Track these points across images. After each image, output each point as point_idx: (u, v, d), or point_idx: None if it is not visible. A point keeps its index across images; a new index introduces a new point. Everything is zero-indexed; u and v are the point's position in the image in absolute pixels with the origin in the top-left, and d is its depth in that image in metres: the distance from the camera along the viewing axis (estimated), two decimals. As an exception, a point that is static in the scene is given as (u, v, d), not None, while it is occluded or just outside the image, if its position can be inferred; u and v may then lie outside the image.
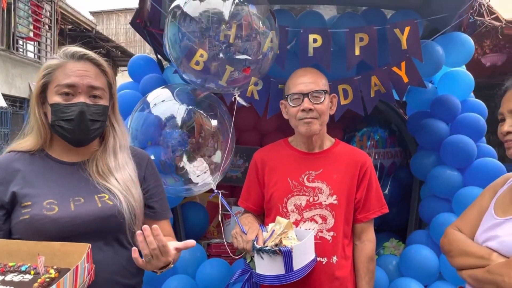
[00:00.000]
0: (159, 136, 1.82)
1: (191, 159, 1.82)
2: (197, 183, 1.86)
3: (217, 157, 1.88)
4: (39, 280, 1.06)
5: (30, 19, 10.96)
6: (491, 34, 6.53)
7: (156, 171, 1.57)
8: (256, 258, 1.65)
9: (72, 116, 1.32)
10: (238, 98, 1.83)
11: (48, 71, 1.35)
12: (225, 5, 1.69)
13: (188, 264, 2.41)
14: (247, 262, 1.78)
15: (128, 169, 1.44)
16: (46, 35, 11.70)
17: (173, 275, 2.38)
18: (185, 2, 1.74)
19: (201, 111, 1.87)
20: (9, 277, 1.09)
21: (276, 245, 1.64)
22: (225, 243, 2.85)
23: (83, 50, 1.39)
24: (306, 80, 1.81)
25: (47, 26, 11.72)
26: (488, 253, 1.35)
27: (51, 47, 11.75)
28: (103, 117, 1.39)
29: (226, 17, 1.69)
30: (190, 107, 1.86)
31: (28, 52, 11.42)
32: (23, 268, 1.12)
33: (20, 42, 10.94)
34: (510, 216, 1.37)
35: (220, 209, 1.84)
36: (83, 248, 1.16)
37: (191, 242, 1.36)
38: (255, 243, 1.66)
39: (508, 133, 1.38)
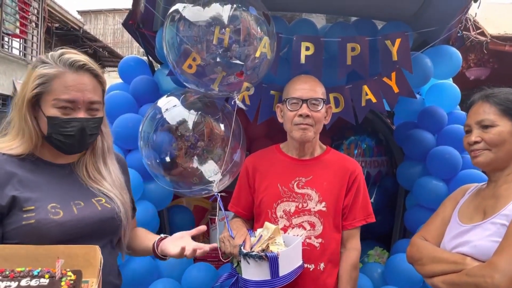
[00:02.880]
0: (171, 139, 1.85)
1: (202, 162, 1.85)
2: (213, 183, 1.90)
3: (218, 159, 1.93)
4: (63, 283, 1.02)
5: (17, 16, 10.79)
6: (475, 49, 6.68)
7: (128, 175, 1.62)
8: (243, 263, 1.65)
9: (72, 132, 1.29)
10: (238, 102, 1.85)
11: (43, 80, 1.27)
12: (224, 10, 1.70)
13: (174, 267, 2.39)
14: (233, 267, 1.79)
15: (117, 173, 1.46)
16: (33, 32, 11.52)
17: (159, 278, 2.36)
18: (184, 7, 1.75)
19: (210, 115, 1.91)
20: (24, 282, 1.03)
21: (263, 250, 1.64)
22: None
23: (81, 59, 1.32)
24: (306, 87, 1.84)
25: (34, 24, 11.55)
26: (462, 258, 1.41)
27: (37, 45, 11.58)
28: (99, 128, 1.39)
29: (224, 22, 1.70)
30: (200, 111, 1.89)
31: (13, 49, 11.24)
32: (35, 273, 1.07)
33: (6, 38, 10.76)
34: (477, 222, 1.44)
35: (218, 212, 1.86)
36: (87, 250, 1.15)
37: (203, 227, 1.55)
38: (242, 248, 1.66)
39: (475, 142, 1.47)
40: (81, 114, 1.30)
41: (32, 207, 1.23)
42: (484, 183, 1.60)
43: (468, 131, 1.53)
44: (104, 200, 1.36)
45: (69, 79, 1.28)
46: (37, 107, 1.30)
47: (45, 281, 1.04)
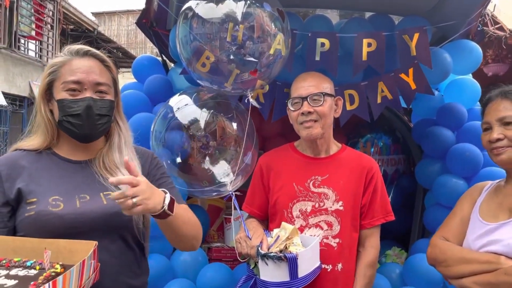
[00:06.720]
0: (182, 138, 1.83)
1: (213, 162, 1.82)
2: (224, 184, 1.87)
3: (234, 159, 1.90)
4: (44, 274, 1.05)
5: (33, 18, 10.94)
6: (494, 44, 6.53)
7: (162, 166, 1.55)
8: (261, 264, 1.61)
9: (79, 110, 1.31)
10: (251, 100, 1.82)
11: (54, 69, 1.35)
12: (237, 7, 1.68)
13: (189, 268, 2.38)
14: (251, 268, 1.75)
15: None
16: (48, 34, 11.66)
17: (173, 279, 2.35)
18: (197, 4, 1.73)
19: (222, 114, 1.88)
20: (13, 272, 1.09)
21: (281, 251, 1.60)
22: (226, 247, 2.84)
23: (86, 47, 1.40)
24: (306, 84, 1.80)
25: (49, 26, 11.69)
26: (495, 257, 1.35)
27: (52, 47, 11.72)
28: (110, 111, 1.38)
29: (238, 18, 1.67)
30: (212, 110, 1.86)
31: (29, 51, 11.41)
32: (28, 264, 1.12)
33: (22, 40, 10.92)
34: (504, 220, 1.40)
35: (233, 211, 1.83)
36: (89, 246, 1.15)
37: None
38: (259, 248, 1.63)
39: (498, 140, 1.43)
40: (88, 94, 1.33)
41: (34, 199, 1.27)
42: (500, 180, 1.55)
43: (487, 129, 1.49)
44: None
45: (75, 63, 1.35)
46: (51, 97, 1.36)
47: (33, 272, 1.09)
